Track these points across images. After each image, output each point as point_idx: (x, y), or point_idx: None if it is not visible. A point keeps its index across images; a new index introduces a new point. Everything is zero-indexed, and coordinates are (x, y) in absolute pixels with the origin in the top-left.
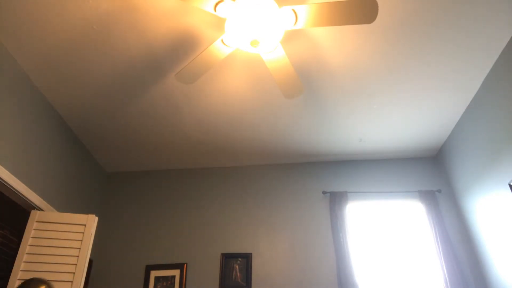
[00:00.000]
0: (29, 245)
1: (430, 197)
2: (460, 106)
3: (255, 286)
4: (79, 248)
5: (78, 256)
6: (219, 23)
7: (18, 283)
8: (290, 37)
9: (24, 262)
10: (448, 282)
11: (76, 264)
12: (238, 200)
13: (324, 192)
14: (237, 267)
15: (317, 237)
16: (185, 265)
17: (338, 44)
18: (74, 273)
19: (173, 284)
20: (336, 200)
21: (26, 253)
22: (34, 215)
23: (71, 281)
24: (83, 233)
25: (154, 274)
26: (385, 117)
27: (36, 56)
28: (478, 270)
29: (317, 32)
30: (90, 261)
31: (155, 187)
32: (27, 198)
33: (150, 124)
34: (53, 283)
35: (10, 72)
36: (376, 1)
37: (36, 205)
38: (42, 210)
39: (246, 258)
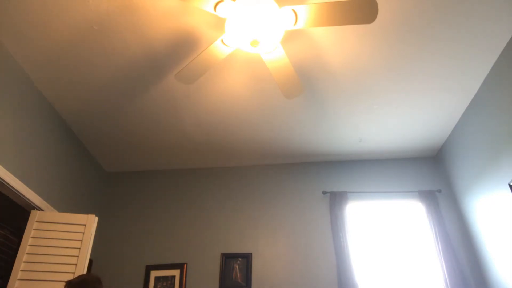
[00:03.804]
0: (29, 245)
1: (430, 197)
2: (460, 106)
3: (255, 286)
4: (79, 248)
5: (78, 256)
6: (219, 23)
7: (18, 283)
8: (290, 37)
9: (24, 262)
10: (448, 282)
11: (76, 264)
12: (238, 200)
13: (324, 192)
14: (237, 267)
15: (317, 237)
16: (185, 265)
17: (338, 44)
18: (74, 273)
19: (173, 284)
20: (336, 200)
21: (26, 253)
22: (34, 215)
23: None
24: (83, 233)
25: (154, 274)
26: (385, 117)
27: (36, 56)
28: (478, 270)
29: (317, 32)
30: (90, 261)
31: (155, 187)
32: (27, 198)
33: (150, 124)
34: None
35: (10, 73)
36: (376, 1)
37: (36, 205)
38: (42, 210)
39: (246, 258)
